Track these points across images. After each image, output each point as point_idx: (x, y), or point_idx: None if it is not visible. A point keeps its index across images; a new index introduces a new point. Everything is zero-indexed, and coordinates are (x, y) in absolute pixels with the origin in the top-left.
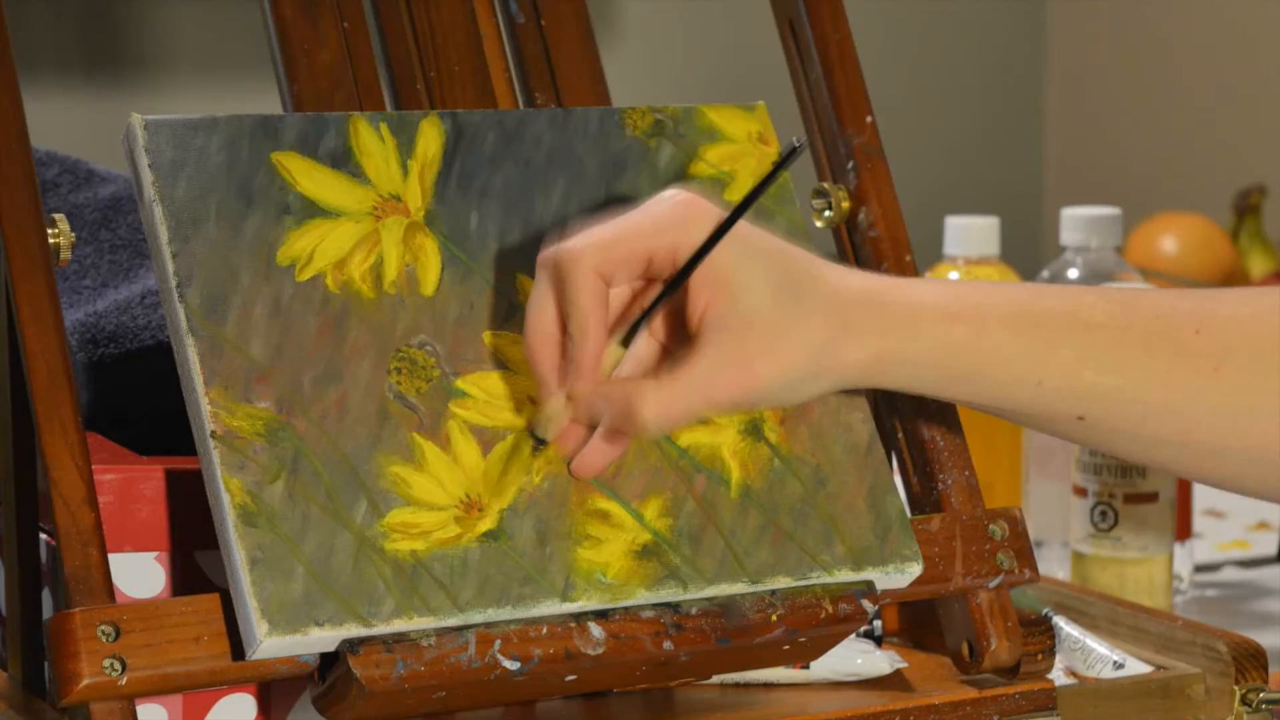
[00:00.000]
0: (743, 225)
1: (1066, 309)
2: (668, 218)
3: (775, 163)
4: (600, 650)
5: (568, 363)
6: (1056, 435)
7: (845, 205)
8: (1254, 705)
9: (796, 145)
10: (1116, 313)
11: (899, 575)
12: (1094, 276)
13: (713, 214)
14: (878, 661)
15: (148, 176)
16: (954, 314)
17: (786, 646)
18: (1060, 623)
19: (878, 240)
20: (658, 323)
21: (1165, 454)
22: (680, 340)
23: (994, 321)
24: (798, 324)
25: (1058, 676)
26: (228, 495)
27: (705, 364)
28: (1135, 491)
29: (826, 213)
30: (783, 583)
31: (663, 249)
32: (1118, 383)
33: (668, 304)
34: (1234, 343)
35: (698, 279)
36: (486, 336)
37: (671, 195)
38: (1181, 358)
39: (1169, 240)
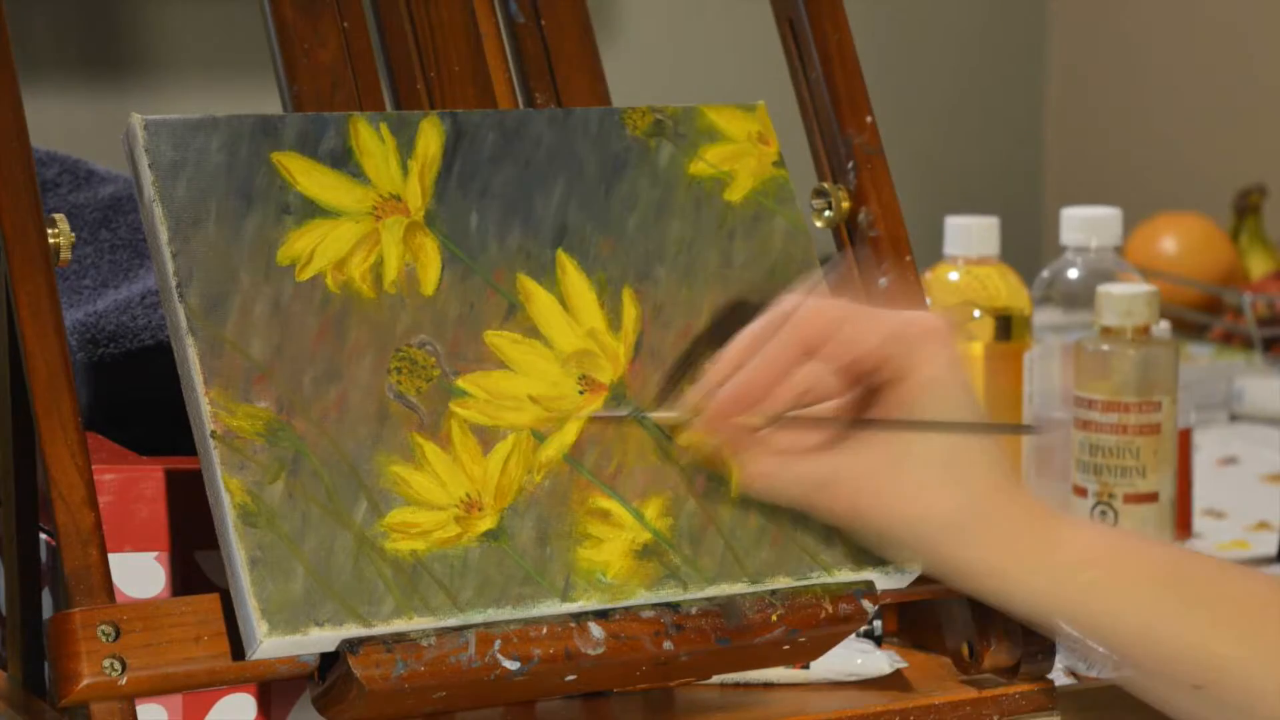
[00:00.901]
0: (966, 379)
1: (1213, 574)
2: (906, 330)
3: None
4: (600, 650)
5: (732, 386)
6: (1165, 704)
7: (845, 205)
8: None
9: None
10: (1257, 589)
11: (899, 575)
12: (1094, 276)
13: (947, 348)
14: (878, 661)
15: (148, 176)
16: (1094, 559)
17: (786, 646)
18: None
19: (878, 240)
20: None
21: None
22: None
23: (1135, 569)
24: (940, 494)
25: (1058, 676)
26: (228, 495)
27: (835, 467)
28: (1135, 491)
29: (826, 212)
30: (783, 583)
31: (877, 355)
32: (1245, 655)
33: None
34: None
35: (909, 390)
36: (487, 336)
37: (922, 315)
38: None
39: (1169, 240)
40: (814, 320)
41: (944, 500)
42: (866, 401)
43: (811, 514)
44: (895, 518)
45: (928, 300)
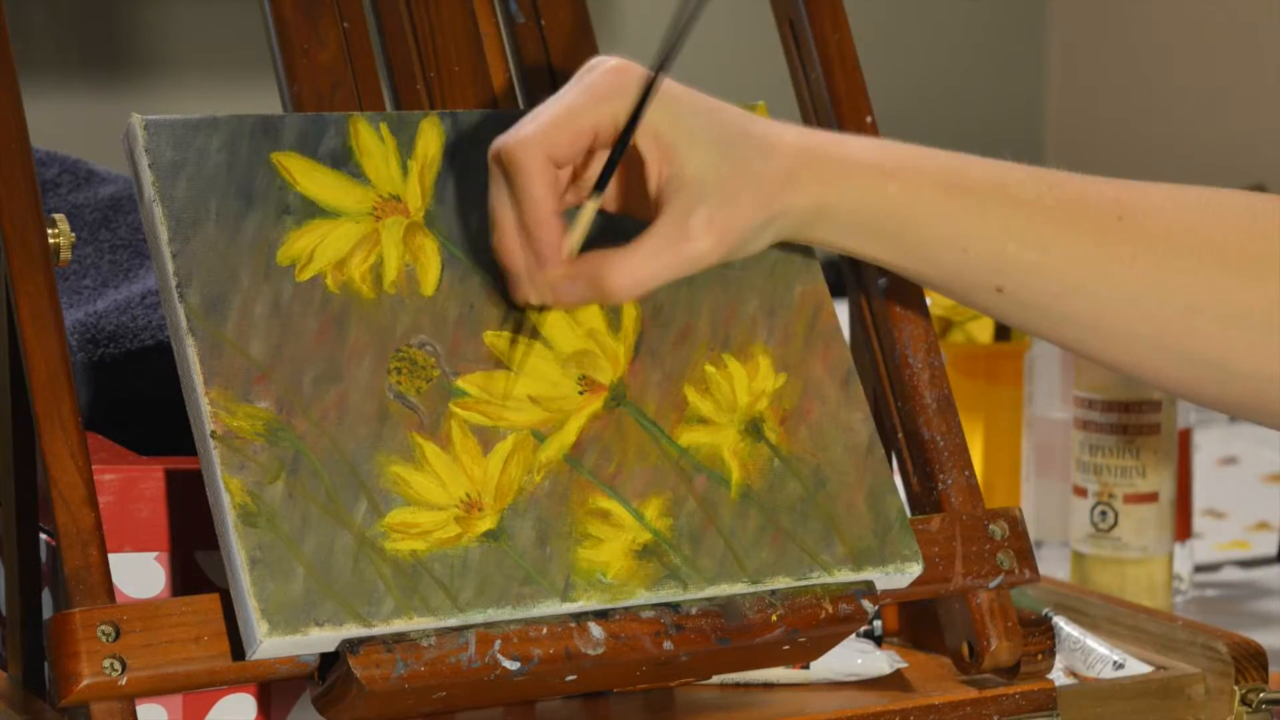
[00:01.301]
0: (677, 89)
1: (996, 181)
2: (603, 88)
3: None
4: (600, 650)
5: (533, 253)
6: (974, 307)
7: None
8: (1254, 705)
9: None
10: (1044, 192)
11: (899, 575)
12: None
13: (644, 76)
14: (878, 661)
15: (148, 176)
16: (889, 171)
17: (786, 646)
18: (1060, 623)
19: None
20: (613, 194)
21: (1075, 334)
22: (642, 210)
23: (927, 182)
24: (746, 176)
25: (1058, 676)
26: (228, 495)
27: (669, 222)
28: (1135, 491)
29: None
30: (783, 583)
31: (605, 120)
32: (1037, 258)
33: (623, 174)
34: (1153, 233)
35: (646, 148)
36: (486, 336)
37: (600, 63)
38: (1101, 242)
39: None
40: (536, 146)
41: (753, 178)
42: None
43: (687, 272)
44: (741, 216)
45: (927, 301)
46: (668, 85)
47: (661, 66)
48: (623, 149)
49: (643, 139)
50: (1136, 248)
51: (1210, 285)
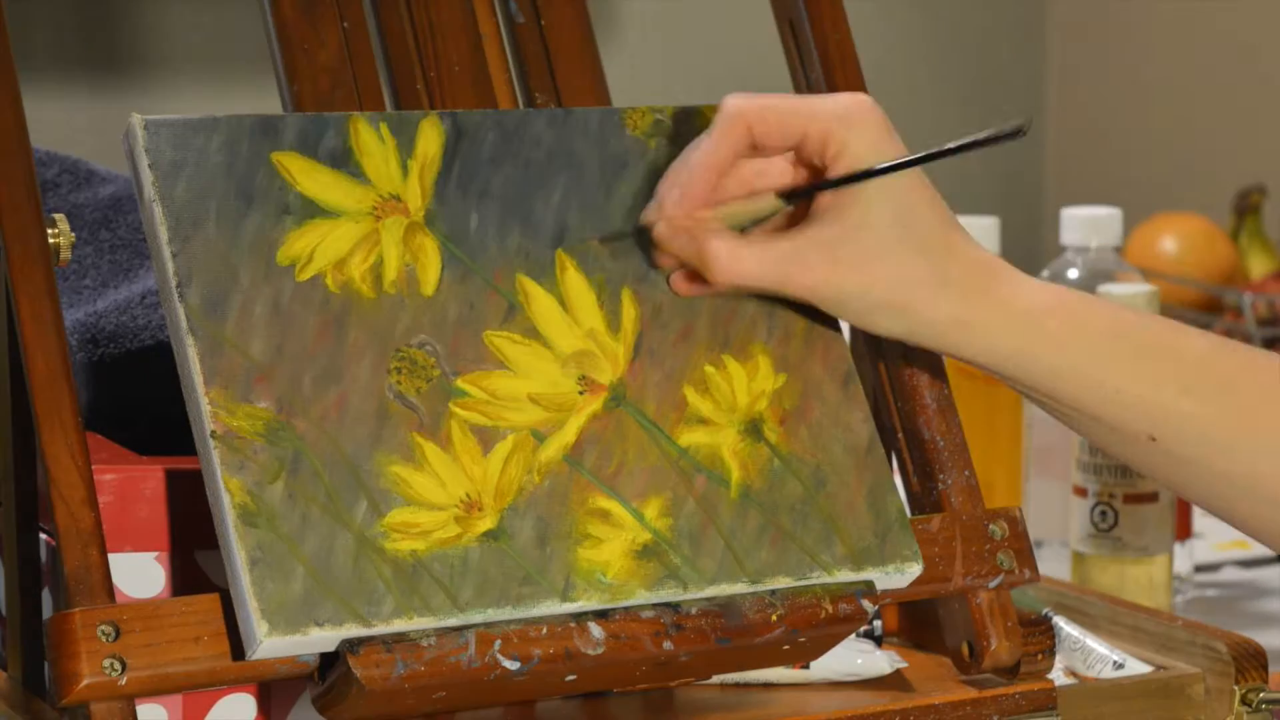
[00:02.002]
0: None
1: (1168, 336)
2: (834, 107)
3: (995, 134)
4: (600, 650)
5: (678, 185)
6: (1123, 455)
7: None
8: (1254, 705)
9: (1022, 128)
10: (1213, 351)
11: (899, 575)
12: (1094, 276)
13: (884, 128)
14: (878, 661)
15: (148, 176)
16: (1052, 308)
17: (786, 646)
18: (1060, 623)
19: None
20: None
21: (1228, 493)
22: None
23: (1091, 323)
24: (903, 253)
25: (1058, 676)
26: (228, 495)
27: (801, 241)
28: (1135, 491)
29: None
30: (783, 583)
31: (816, 132)
32: (1197, 409)
33: (808, 178)
34: None
35: (851, 160)
36: (486, 336)
37: (858, 95)
38: (1267, 402)
39: (1169, 240)
40: (745, 113)
41: (905, 261)
42: (814, 181)
43: (783, 293)
44: (863, 281)
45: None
46: (898, 147)
47: (927, 158)
48: (834, 185)
49: (860, 153)
50: None
51: None
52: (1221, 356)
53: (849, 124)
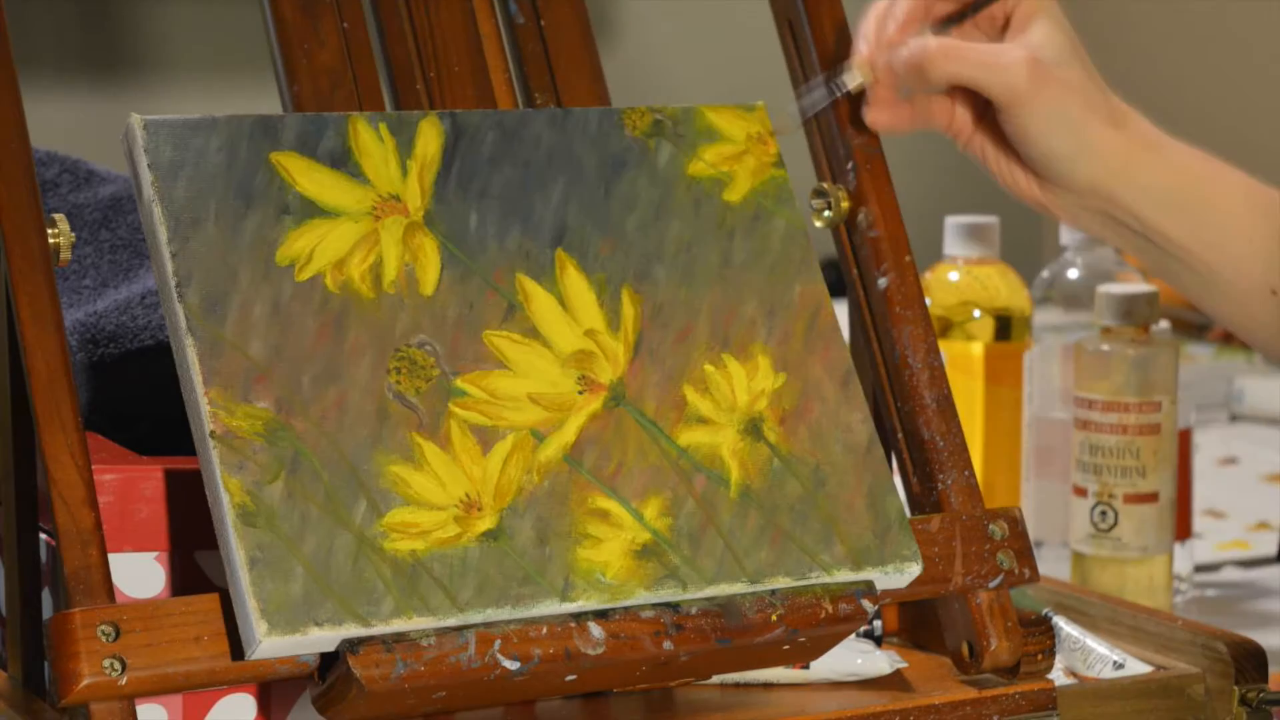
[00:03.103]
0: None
1: None
2: None
3: None
4: (600, 650)
5: (886, 19)
6: (1244, 310)
7: (845, 205)
8: (1254, 705)
9: None
10: None
11: (898, 575)
12: (1094, 276)
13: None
14: (878, 661)
15: (147, 176)
16: (1200, 156)
17: (786, 646)
18: (1060, 623)
19: (877, 240)
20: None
21: None
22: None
23: (1231, 178)
24: (1082, 77)
25: (1058, 676)
26: (227, 495)
27: (1005, 43)
28: (1135, 491)
29: (826, 213)
30: (782, 583)
31: None
32: None
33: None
34: None
35: (1020, 10)
36: (486, 336)
37: None
38: None
39: None
40: None
41: (1088, 86)
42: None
43: (988, 89)
44: (1059, 93)
45: (927, 301)
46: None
47: None
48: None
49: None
50: None
51: None
52: None
53: None
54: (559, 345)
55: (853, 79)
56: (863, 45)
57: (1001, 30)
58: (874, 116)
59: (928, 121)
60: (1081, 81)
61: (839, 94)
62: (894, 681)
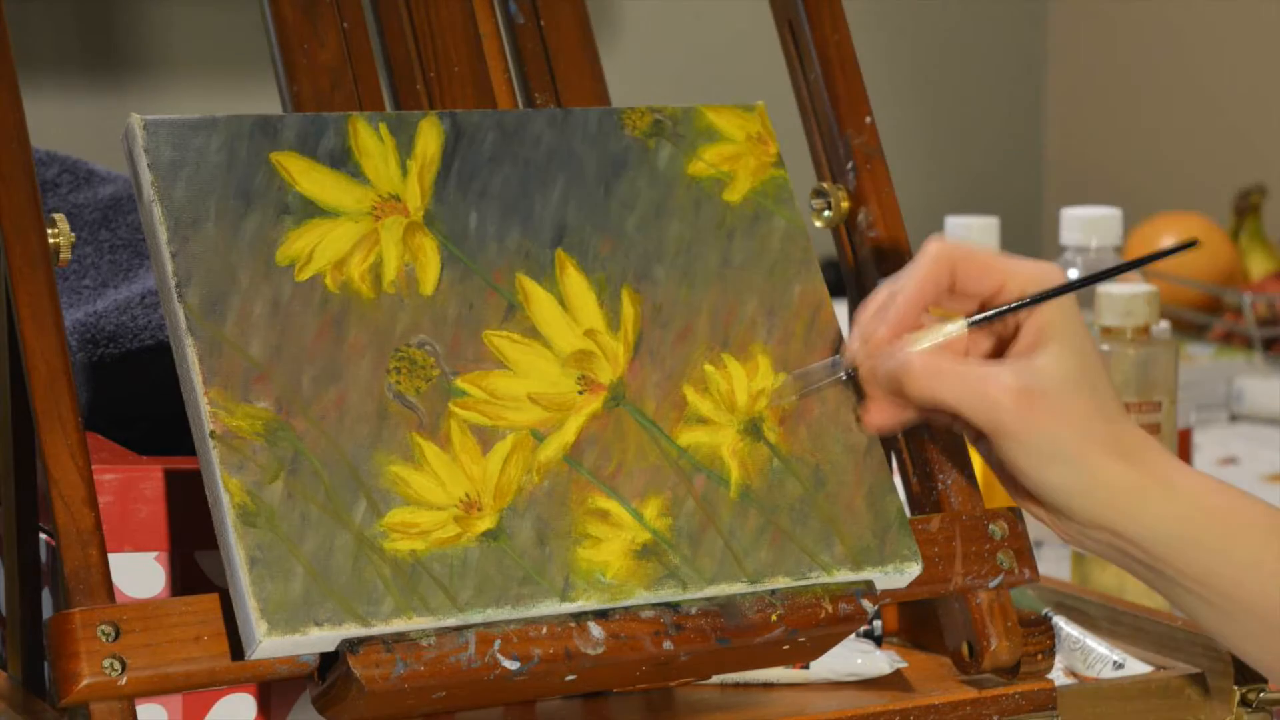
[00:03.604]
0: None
1: None
2: (1033, 270)
3: (1164, 250)
4: (600, 650)
5: (881, 317)
6: (1261, 651)
7: (845, 205)
8: (1254, 705)
9: (1191, 244)
10: None
11: (898, 575)
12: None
13: (1069, 299)
14: (878, 661)
15: (147, 176)
16: (1215, 488)
17: (786, 646)
18: (1060, 623)
19: (877, 240)
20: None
21: None
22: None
23: (1250, 510)
24: (1087, 410)
25: (1058, 676)
26: (227, 495)
27: (998, 369)
28: None
29: (826, 213)
30: (782, 583)
31: (1015, 286)
32: None
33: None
34: None
35: (1049, 319)
36: (486, 336)
37: (1046, 263)
38: None
39: (1169, 240)
40: (950, 255)
41: (1089, 416)
42: (996, 341)
43: (971, 416)
44: (1053, 425)
45: None
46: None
47: (1109, 273)
48: (1034, 302)
49: (1050, 314)
50: None
51: None
52: None
53: (1044, 284)
54: (559, 345)
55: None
56: (854, 343)
57: (1011, 337)
58: (868, 418)
59: (927, 420)
60: (1083, 412)
61: (839, 375)
62: (894, 681)
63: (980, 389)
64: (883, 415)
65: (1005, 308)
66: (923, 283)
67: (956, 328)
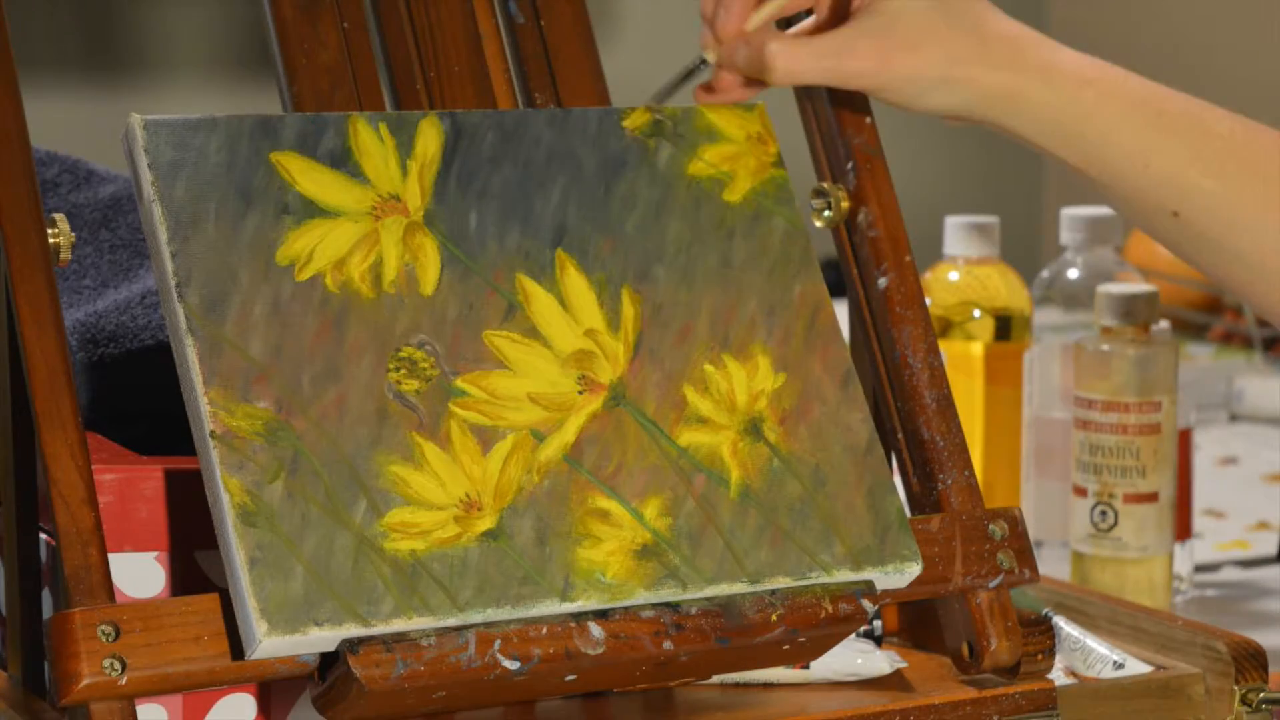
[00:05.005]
0: None
1: (1195, 111)
2: None
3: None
4: (600, 650)
5: (724, 7)
6: (1149, 231)
7: (845, 205)
8: (1254, 705)
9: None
10: (1239, 131)
11: (898, 575)
12: (1094, 277)
13: None
14: (878, 661)
15: (147, 176)
16: (1088, 79)
17: (786, 646)
18: (1060, 623)
19: (877, 240)
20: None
21: (1242, 275)
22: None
23: (1122, 96)
24: (944, 33)
25: (1058, 676)
26: (227, 495)
27: (847, 32)
28: (1135, 491)
29: (826, 213)
30: (782, 583)
31: None
32: (1218, 188)
33: None
34: None
35: None
36: (486, 336)
37: None
38: None
39: None
40: None
41: (949, 38)
42: None
43: (837, 83)
44: (914, 61)
45: (927, 301)
46: None
47: None
48: None
49: None
50: None
51: None
52: (1248, 138)
53: None
54: (559, 345)
55: (710, 56)
56: (706, 36)
57: None
58: (728, 95)
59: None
60: (943, 37)
61: (700, 71)
62: (894, 681)
63: (838, 66)
64: (743, 91)
65: None
66: None
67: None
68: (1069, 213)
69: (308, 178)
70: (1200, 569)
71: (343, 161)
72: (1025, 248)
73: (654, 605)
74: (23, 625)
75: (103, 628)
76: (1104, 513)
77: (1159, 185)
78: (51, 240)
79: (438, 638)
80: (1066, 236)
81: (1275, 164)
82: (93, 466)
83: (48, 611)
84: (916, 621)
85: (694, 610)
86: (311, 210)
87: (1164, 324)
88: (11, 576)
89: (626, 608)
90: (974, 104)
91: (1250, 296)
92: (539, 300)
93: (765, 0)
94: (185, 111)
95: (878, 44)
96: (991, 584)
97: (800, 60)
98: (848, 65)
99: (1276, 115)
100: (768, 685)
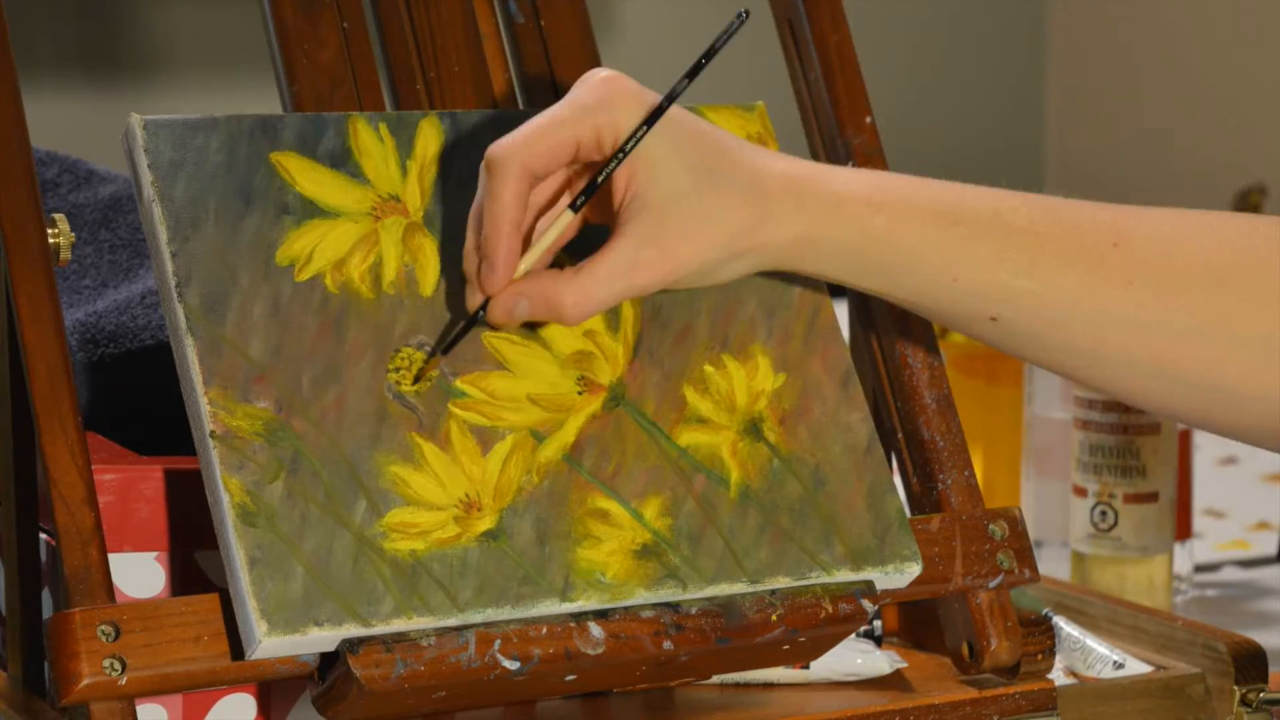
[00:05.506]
0: (670, 108)
1: (988, 209)
2: (589, 100)
3: (717, 37)
4: (600, 650)
5: (486, 260)
6: (972, 336)
7: None
8: (1254, 705)
9: (741, 16)
10: (1038, 219)
11: (898, 575)
12: None
13: (636, 92)
14: (878, 661)
15: (147, 176)
16: (876, 204)
17: (786, 646)
18: (1060, 623)
19: None
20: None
21: (1074, 362)
22: (609, 221)
23: (916, 213)
24: (717, 207)
25: (1058, 676)
26: (227, 495)
27: (625, 247)
28: (1135, 491)
29: None
30: (782, 583)
31: (587, 133)
32: (1031, 286)
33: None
34: (1149, 257)
35: (622, 174)
36: (485, 337)
37: (593, 75)
38: (1096, 268)
39: None
40: (514, 155)
41: (723, 209)
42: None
43: (635, 295)
44: (698, 250)
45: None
46: (655, 98)
47: (671, 97)
48: (606, 173)
49: (635, 161)
50: (1132, 273)
51: (1209, 308)
52: (1047, 225)
53: (609, 107)
54: (558, 346)
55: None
56: (476, 297)
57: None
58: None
59: None
60: (720, 215)
61: (478, 324)
62: (894, 681)
63: (629, 286)
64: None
65: (591, 180)
66: (505, 204)
67: (567, 222)
68: None
69: (307, 178)
70: (1200, 569)
71: (342, 162)
72: None
73: (654, 605)
74: (23, 625)
75: (103, 628)
76: (1104, 513)
77: (971, 295)
78: (51, 240)
79: (438, 638)
80: None
81: (1078, 245)
82: (93, 466)
83: (48, 611)
84: (916, 621)
85: (694, 610)
86: (311, 210)
87: None
88: (11, 576)
89: (626, 608)
90: (769, 263)
91: (1088, 382)
92: None
93: (531, 244)
94: (185, 111)
95: (658, 248)
96: (991, 584)
97: (591, 294)
98: (638, 281)
99: (1277, 115)
100: (768, 685)
